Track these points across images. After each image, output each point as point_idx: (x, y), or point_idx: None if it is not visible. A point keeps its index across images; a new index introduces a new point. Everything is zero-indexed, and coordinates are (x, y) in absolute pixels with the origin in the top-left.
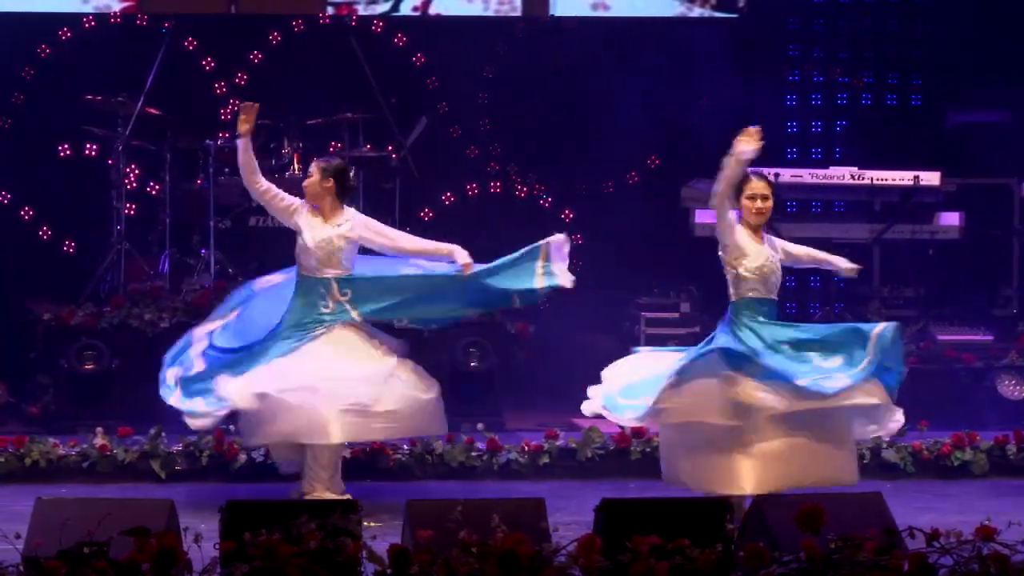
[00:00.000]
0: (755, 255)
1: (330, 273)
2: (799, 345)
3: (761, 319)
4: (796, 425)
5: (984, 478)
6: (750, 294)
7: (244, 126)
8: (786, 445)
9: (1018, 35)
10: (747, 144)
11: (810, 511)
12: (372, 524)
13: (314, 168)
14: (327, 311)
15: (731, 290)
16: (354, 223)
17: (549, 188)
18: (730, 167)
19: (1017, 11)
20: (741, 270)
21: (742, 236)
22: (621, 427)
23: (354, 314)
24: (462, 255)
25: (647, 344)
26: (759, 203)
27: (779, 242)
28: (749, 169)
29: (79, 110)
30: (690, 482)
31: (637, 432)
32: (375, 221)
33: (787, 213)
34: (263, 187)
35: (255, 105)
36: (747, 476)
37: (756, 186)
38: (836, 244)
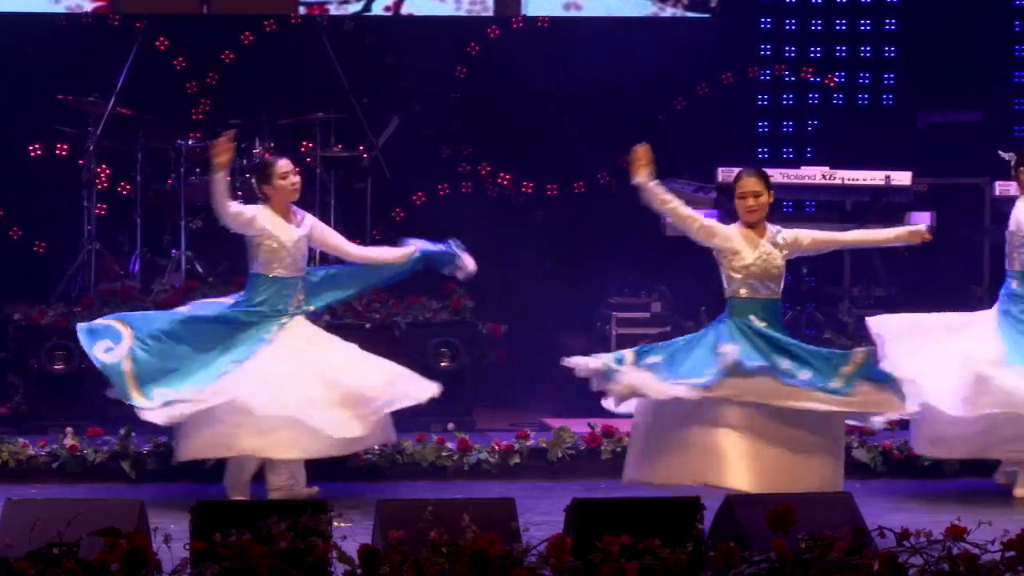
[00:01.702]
0: (746, 254)
1: (300, 272)
2: (777, 349)
3: (752, 318)
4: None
5: (954, 478)
6: (742, 292)
7: (221, 158)
8: (772, 448)
9: (990, 35)
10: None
11: (781, 511)
12: (342, 524)
13: (292, 168)
14: (291, 308)
15: (725, 287)
16: (309, 221)
17: (521, 188)
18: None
19: (989, 11)
20: (729, 270)
21: (733, 236)
22: (591, 427)
23: (308, 308)
24: (469, 262)
25: (617, 344)
26: (750, 201)
27: (800, 233)
28: (740, 168)
29: (50, 110)
30: (679, 475)
31: (608, 432)
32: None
33: None
34: (233, 210)
35: (231, 134)
36: (741, 472)
37: (746, 184)
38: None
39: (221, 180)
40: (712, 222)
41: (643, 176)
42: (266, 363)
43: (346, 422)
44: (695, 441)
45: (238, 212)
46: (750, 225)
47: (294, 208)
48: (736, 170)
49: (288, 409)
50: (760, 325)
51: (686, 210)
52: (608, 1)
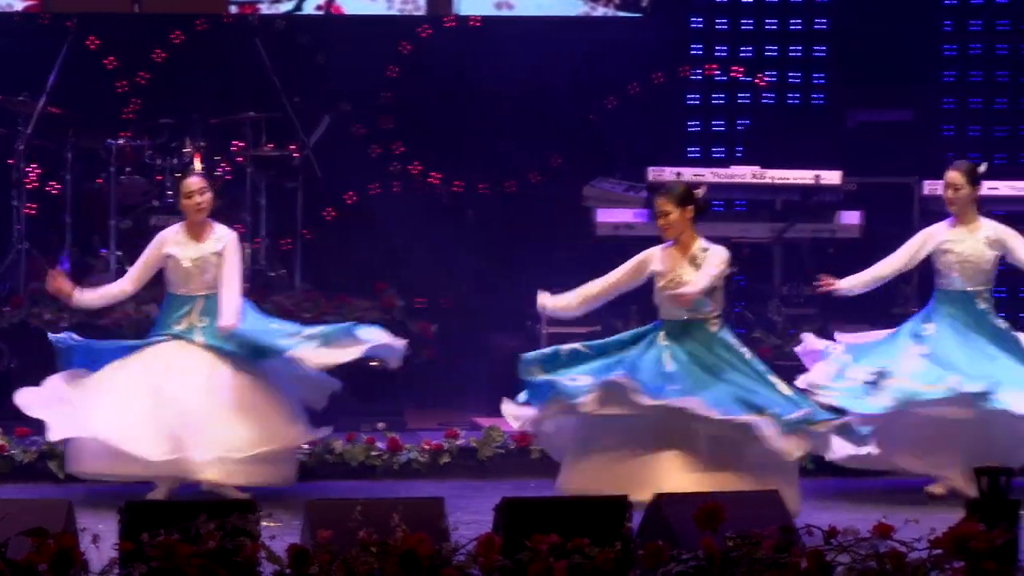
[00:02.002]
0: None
1: (198, 291)
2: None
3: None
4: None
5: (882, 476)
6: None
7: (63, 291)
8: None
9: (919, 34)
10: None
11: (709, 509)
12: (271, 524)
13: (206, 184)
14: (180, 327)
15: None
16: (224, 243)
17: (452, 187)
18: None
19: (918, 11)
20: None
21: (655, 257)
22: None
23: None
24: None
25: (548, 343)
26: (660, 220)
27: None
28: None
29: None
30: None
31: None
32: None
33: None
34: (132, 285)
35: (57, 275)
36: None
37: (656, 203)
38: (737, 243)
39: (90, 299)
40: (635, 259)
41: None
42: (106, 375)
43: (157, 444)
44: (629, 454)
45: (141, 269)
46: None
47: (215, 226)
48: (667, 169)
49: (94, 428)
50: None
51: (601, 281)
52: (540, 0)
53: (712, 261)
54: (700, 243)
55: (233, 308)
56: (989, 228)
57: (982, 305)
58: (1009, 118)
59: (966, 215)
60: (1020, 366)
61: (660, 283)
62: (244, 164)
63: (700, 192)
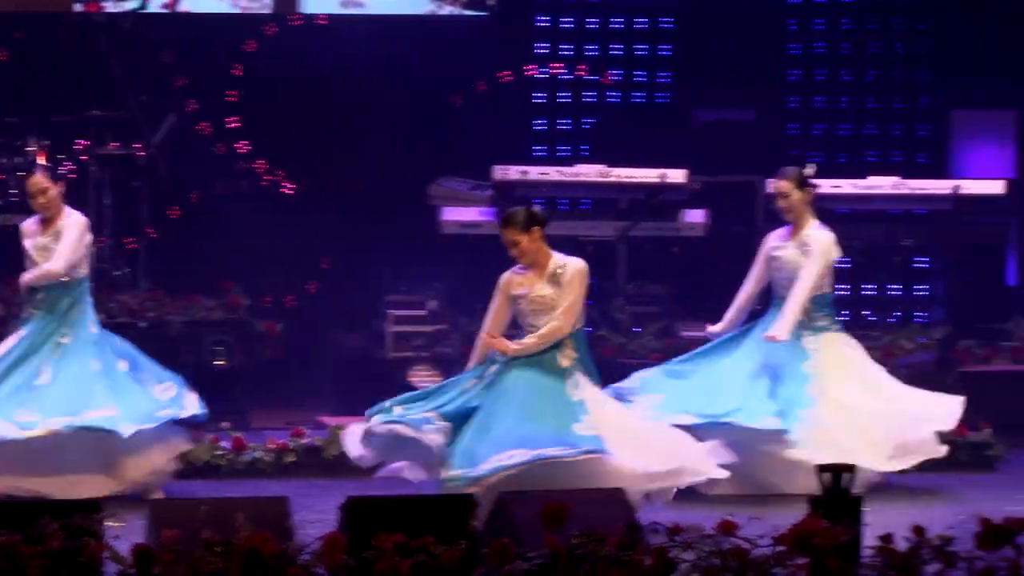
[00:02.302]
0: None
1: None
2: None
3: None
4: None
5: None
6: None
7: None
8: None
9: (764, 34)
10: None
11: (554, 508)
12: (115, 524)
13: (49, 183)
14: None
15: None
16: (63, 229)
17: (298, 186)
18: None
19: (763, 11)
20: None
21: (513, 281)
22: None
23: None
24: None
25: (394, 342)
26: (514, 251)
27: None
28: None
29: None
30: None
31: None
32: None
33: None
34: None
35: None
36: None
37: (505, 236)
38: (582, 241)
39: (25, 282)
40: (499, 294)
41: None
42: None
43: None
44: None
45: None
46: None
47: (64, 214)
48: (512, 168)
49: None
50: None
51: (488, 325)
52: None
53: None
54: (556, 259)
55: (46, 271)
56: (807, 236)
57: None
58: (853, 117)
59: (802, 220)
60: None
61: (522, 305)
62: (88, 163)
63: (540, 211)
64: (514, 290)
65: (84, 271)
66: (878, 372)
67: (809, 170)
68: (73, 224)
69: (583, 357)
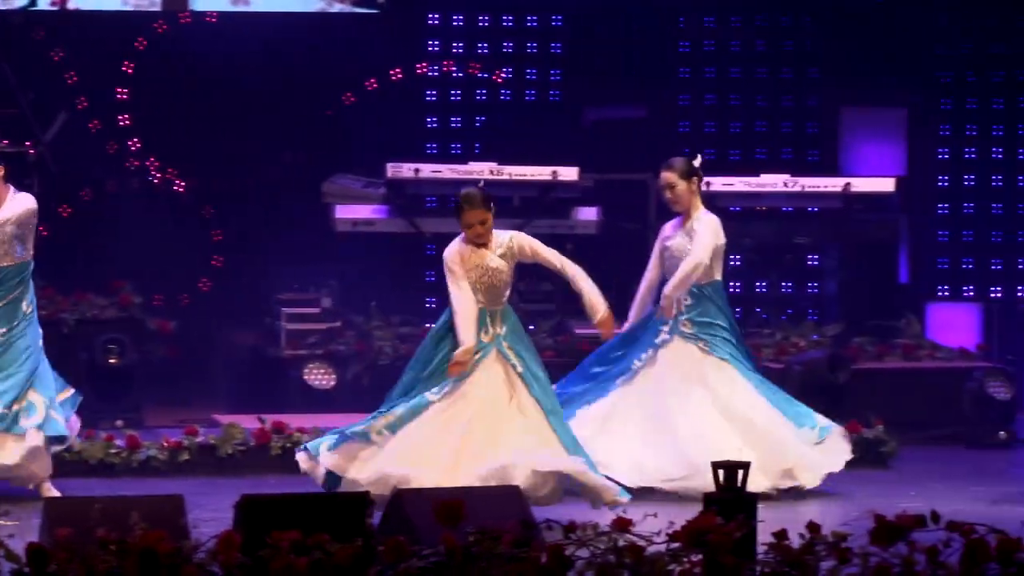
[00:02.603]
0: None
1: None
2: None
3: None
4: None
5: None
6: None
7: None
8: None
9: (655, 31)
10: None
11: (449, 505)
12: (8, 522)
13: None
14: None
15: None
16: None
17: (190, 184)
18: None
19: (653, 8)
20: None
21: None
22: (261, 422)
23: None
24: None
25: (288, 339)
26: (479, 228)
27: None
28: (468, 191)
29: None
30: None
31: (278, 428)
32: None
33: (427, 209)
34: None
35: None
36: None
37: (473, 215)
38: None
39: None
40: (454, 272)
41: None
42: None
43: None
44: None
45: None
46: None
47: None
48: (405, 166)
49: None
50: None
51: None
52: None
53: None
54: (497, 236)
55: None
56: (695, 222)
57: (688, 302)
58: (743, 115)
59: (690, 210)
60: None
61: (475, 277)
62: None
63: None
64: (466, 264)
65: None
66: (704, 399)
67: (696, 161)
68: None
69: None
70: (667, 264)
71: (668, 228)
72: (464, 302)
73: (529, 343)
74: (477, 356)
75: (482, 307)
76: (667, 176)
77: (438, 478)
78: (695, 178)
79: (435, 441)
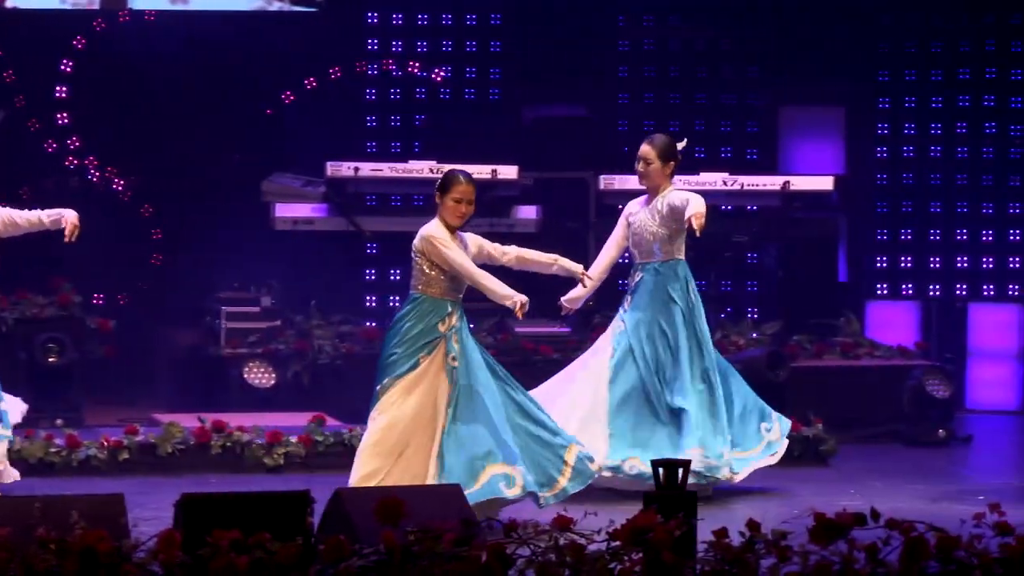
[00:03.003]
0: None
1: None
2: None
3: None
4: None
5: None
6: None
7: None
8: None
9: (594, 30)
10: None
11: (389, 503)
12: None
13: None
14: None
15: None
16: None
17: (129, 182)
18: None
19: (592, 6)
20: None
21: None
22: (201, 421)
23: None
24: None
25: (228, 338)
26: (464, 207)
27: (478, 242)
28: (457, 169)
29: None
30: None
31: (218, 427)
32: None
33: (367, 207)
34: None
35: None
36: None
37: (466, 191)
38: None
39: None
40: (443, 238)
41: None
42: None
43: None
44: None
45: None
46: (450, 228)
47: None
48: (345, 164)
49: None
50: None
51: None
52: None
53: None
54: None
55: None
56: (663, 199)
57: (648, 277)
58: (682, 113)
59: (658, 191)
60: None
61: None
62: None
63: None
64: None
65: None
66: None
67: (681, 144)
68: None
69: None
70: (632, 239)
71: (634, 204)
72: (470, 264)
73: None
74: (435, 342)
75: (451, 299)
76: (646, 150)
77: None
78: (672, 161)
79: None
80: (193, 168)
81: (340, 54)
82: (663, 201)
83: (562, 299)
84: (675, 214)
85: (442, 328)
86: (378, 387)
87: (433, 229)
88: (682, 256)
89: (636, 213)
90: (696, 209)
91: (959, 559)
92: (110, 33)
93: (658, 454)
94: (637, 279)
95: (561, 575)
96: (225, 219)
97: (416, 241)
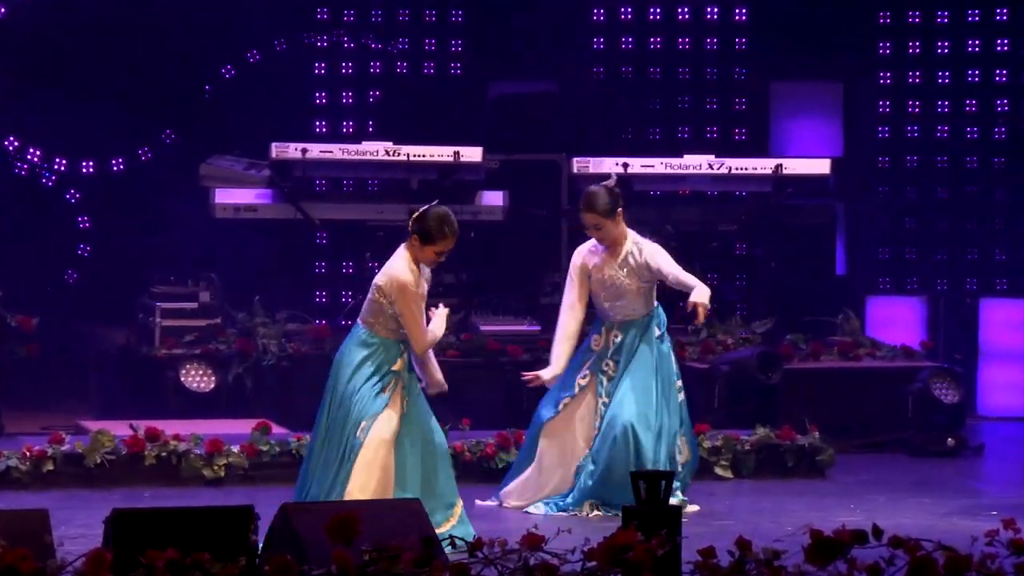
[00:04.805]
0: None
1: None
2: None
3: None
4: None
5: None
6: None
7: None
8: None
9: (563, 1)
10: None
11: (342, 519)
12: None
13: None
14: None
15: None
16: None
17: (55, 166)
18: None
19: None
20: None
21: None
22: (134, 429)
23: None
24: None
25: (163, 337)
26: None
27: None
28: (443, 214)
29: None
30: None
31: (152, 435)
32: None
33: (316, 193)
34: None
35: None
36: None
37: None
38: (371, 226)
39: None
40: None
41: None
42: None
43: None
44: None
45: None
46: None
47: None
48: (291, 146)
49: None
50: None
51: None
52: None
53: None
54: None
55: None
56: (631, 251)
57: (629, 340)
58: (663, 89)
59: (619, 243)
60: None
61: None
62: None
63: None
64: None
65: None
66: None
67: (610, 182)
68: None
69: None
70: (604, 295)
71: (589, 256)
72: (425, 336)
73: None
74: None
75: (403, 339)
76: (590, 218)
77: None
78: (618, 209)
79: None
80: (125, 150)
81: (286, 24)
82: (635, 256)
83: (540, 373)
84: (656, 276)
85: (396, 367)
86: (352, 428)
87: (404, 274)
88: (654, 301)
89: (599, 267)
90: (699, 298)
91: None
92: (35, 3)
93: None
94: (617, 340)
95: None
96: (159, 206)
97: (382, 281)
